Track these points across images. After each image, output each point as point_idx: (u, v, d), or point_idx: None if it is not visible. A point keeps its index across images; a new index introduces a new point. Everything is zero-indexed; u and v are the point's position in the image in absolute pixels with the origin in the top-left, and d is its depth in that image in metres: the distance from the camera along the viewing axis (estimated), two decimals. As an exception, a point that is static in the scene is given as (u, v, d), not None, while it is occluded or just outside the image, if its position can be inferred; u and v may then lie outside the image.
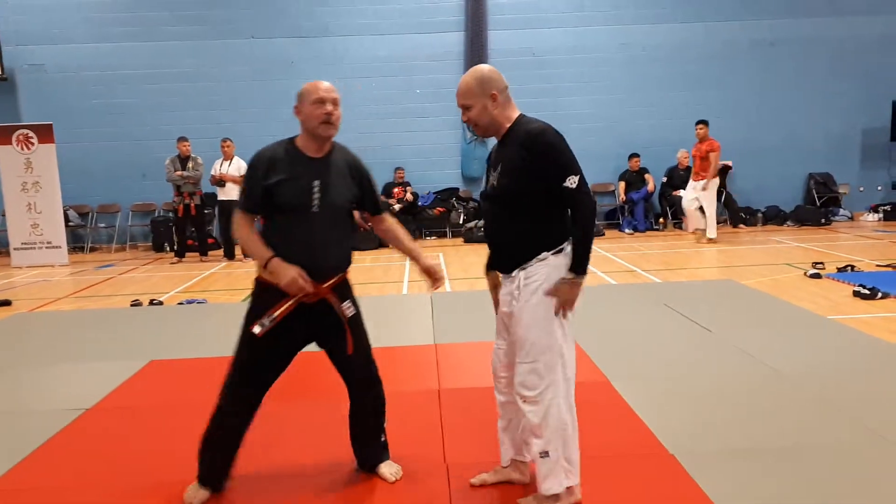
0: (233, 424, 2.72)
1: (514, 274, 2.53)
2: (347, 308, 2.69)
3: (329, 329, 2.68)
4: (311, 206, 2.56)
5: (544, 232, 2.49)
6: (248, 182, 2.60)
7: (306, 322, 2.62)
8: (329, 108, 2.56)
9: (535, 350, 2.47)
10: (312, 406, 3.71)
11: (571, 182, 2.40)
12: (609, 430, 3.30)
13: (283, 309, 2.53)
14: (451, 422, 3.48)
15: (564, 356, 2.50)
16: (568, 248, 2.49)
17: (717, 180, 9.56)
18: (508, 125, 2.57)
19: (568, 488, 2.52)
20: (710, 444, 3.11)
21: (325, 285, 2.61)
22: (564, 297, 2.45)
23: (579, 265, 2.45)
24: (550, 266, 2.47)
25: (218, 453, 2.75)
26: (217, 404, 2.73)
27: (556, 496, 2.51)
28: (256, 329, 2.51)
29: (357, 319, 2.75)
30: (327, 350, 2.77)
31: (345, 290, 2.72)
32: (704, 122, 9.67)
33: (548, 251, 2.48)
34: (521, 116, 2.58)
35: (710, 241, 9.55)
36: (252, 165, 2.61)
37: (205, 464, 2.76)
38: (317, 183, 2.57)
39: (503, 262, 2.60)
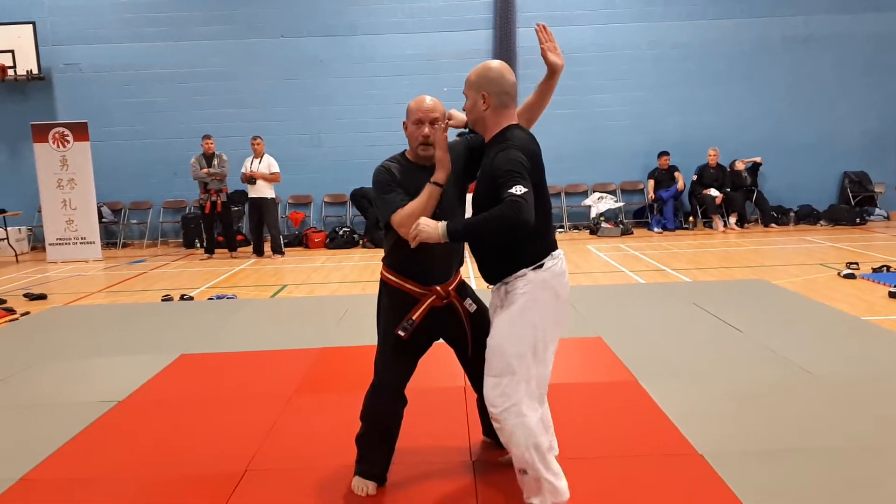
0: (391, 413, 2.77)
1: (497, 287, 2.53)
2: (469, 305, 2.78)
3: (455, 327, 2.78)
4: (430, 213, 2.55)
5: (522, 247, 2.43)
6: (388, 188, 2.57)
7: (436, 321, 2.71)
8: (426, 129, 2.57)
9: (501, 365, 2.43)
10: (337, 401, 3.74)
11: (517, 190, 2.24)
12: (637, 429, 3.27)
13: (420, 312, 2.65)
14: (476, 418, 3.46)
15: (532, 374, 2.42)
16: (548, 262, 2.45)
17: None
18: (496, 132, 2.48)
19: None
20: (739, 445, 3.06)
21: (451, 287, 2.72)
22: (418, 229, 2.35)
23: (455, 229, 2.32)
24: (531, 282, 2.43)
25: (380, 445, 2.79)
26: (370, 399, 2.78)
27: None
28: (401, 332, 2.64)
29: (481, 312, 2.81)
30: (453, 345, 2.86)
31: (464, 289, 2.82)
32: None
33: (527, 267, 2.44)
34: (508, 129, 2.47)
35: None
36: (383, 176, 2.60)
37: (368, 458, 2.80)
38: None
39: (486, 273, 2.59)
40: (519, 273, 2.44)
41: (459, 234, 2.34)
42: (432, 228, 2.34)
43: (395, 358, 2.73)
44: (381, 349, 2.77)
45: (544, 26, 2.67)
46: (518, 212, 2.23)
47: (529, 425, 2.40)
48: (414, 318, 2.63)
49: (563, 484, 2.47)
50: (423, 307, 2.65)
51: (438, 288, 2.67)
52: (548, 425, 2.77)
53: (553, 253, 2.49)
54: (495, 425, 2.48)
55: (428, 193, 2.50)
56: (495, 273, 2.53)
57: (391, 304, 2.73)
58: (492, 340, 2.49)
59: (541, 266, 2.44)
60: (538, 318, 2.43)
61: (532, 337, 2.42)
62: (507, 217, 2.23)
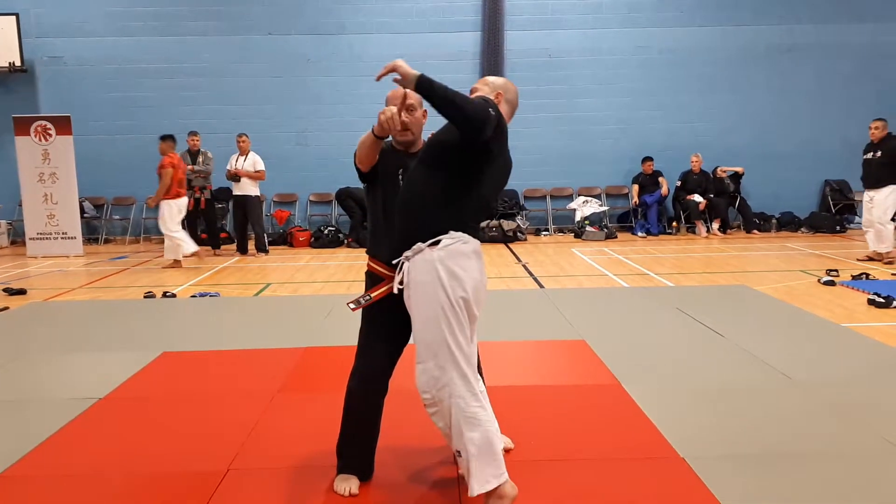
0: (364, 401, 2.77)
1: (401, 264, 2.50)
2: None
3: None
4: (397, 193, 2.65)
5: (425, 221, 2.46)
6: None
7: (402, 312, 2.65)
8: (403, 116, 2.65)
9: (423, 351, 2.44)
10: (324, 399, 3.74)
11: (492, 109, 2.35)
12: (619, 432, 3.29)
13: (378, 292, 2.68)
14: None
15: (455, 354, 2.39)
16: (446, 241, 2.43)
17: (176, 200, 8.59)
18: None
19: (495, 488, 2.40)
20: (720, 449, 3.09)
21: None
22: (397, 63, 2.33)
23: (427, 78, 2.30)
24: (427, 261, 2.42)
25: (357, 435, 2.79)
26: (348, 385, 2.78)
27: (487, 494, 2.42)
28: (352, 305, 2.68)
29: None
30: None
31: None
32: (163, 138, 8.74)
33: (423, 242, 2.44)
34: None
35: (175, 262, 8.73)
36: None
37: (349, 451, 2.80)
38: (401, 171, 2.69)
39: (392, 247, 2.59)
40: (416, 248, 2.45)
41: (427, 83, 2.29)
42: (410, 70, 2.34)
43: (369, 342, 2.76)
44: (359, 336, 2.80)
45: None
46: (486, 114, 2.31)
47: (463, 406, 2.38)
48: (372, 295, 2.66)
49: (492, 469, 2.38)
50: (385, 288, 2.67)
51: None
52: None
53: (455, 234, 2.46)
54: (429, 411, 2.47)
55: (365, 137, 2.64)
56: (394, 248, 2.54)
57: (365, 286, 2.81)
58: (415, 327, 2.49)
59: (436, 243, 2.43)
60: (442, 300, 2.39)
61: (443, 319, 2.39)
62: (476, 106, 2.30)
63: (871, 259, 8.23)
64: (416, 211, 2.50)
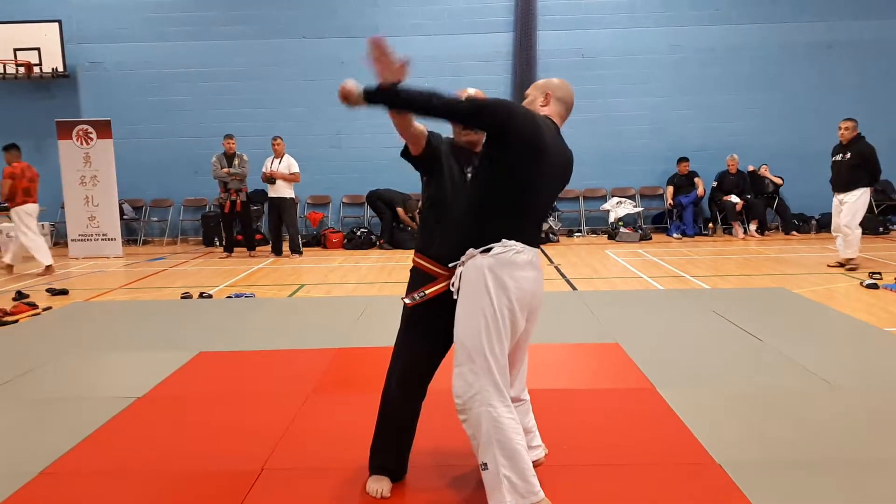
0: (401, 404, 2.76)
1: (456, 269, 2.50)
2: None
3: None
4: (461, 193, 2.63)
5: (478, 226, 2.44)
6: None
7: (447, 316, 2.58)
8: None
9: (461, 355, 2.42)
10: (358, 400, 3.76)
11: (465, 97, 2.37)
12: (655, 437, 3.25)
13: (434, 289, 2.61)
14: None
15: (491, 362, 2.37)
16: (498, 248, 2.39)
17: (24, 206, 8.58)
18: None
19: None
20: (758, 455, 3.03)
21: None
22: (347, 87, 2.43)
23: (377, 90, 2.35)
24: (477, 267, 2.40)
25: (391, 437, 2.79)
26: (384, 387, 2.77)
27: None
28: (407, 300, 2.65)
29: None
30: None
31: None
32: (5, 148, 8.71)
33: (475, 248, 2.42)
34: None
35: (33, 269, 8.76)
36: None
37: (383, 453, 2.80)
38: (470, 169, 2.67)
39: (442, 252, 2.61)
40: (468, 253, 2.44)
41: (374, 94, 2.37)
42: (353, 89, 2.42)
43: (408, 344, 2.72)
44: (397, 337, 2.76)
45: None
46: (452, 101, 2.35)
47: (495, 416, 2.36)
48: (427, 291, 2.60)
49: (525, 485, 2.34)
50: (440, 285, 2.60)
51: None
52: (527, 429, 2.73)
53: (507, 241, 2.41)
54: (461, 418, 2.45)
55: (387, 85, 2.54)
56: (451, 252, 2.52)
57: (412, 284, 2.72)
58: (456, 330, 2.48)
59: (488, 250, 2.40)
60: (486, 307, 2.37)
61: (484, 326, 2.37)
62: (444, 98, 2.33)
63: (840, 265, 7.95)
64: (472, 217, 2.48)
